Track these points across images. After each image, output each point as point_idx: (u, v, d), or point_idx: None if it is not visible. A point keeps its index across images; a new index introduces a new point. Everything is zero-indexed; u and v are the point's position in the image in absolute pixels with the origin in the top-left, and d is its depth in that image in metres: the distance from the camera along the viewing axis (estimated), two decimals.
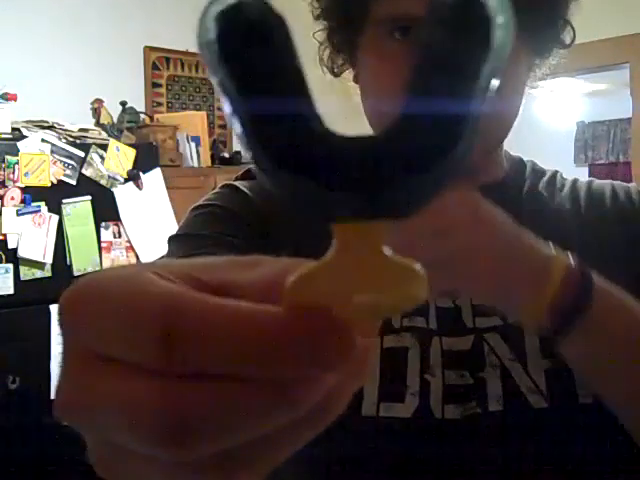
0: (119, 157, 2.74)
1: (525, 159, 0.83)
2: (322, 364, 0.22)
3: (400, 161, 0.20)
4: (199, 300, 0.22)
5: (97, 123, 3.16)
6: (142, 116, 3.33)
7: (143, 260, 2.74)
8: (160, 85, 3.71)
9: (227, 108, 0.21)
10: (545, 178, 0.80)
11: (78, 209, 2.62)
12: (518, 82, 0.69)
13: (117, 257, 2.70)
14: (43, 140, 2.56)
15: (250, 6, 0.20)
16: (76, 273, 2.58)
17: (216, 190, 0.77)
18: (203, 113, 3.62)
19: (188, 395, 0.22)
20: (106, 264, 2.66)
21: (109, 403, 0.23)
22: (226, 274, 0.25)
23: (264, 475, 0.26)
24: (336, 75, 0.77)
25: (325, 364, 0.22)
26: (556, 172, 0.82)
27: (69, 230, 2.58)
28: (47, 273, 2.52)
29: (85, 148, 2.66)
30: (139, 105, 3.42)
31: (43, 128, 2.64)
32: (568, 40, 0.74)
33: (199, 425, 0.22)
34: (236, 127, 0.21)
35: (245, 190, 0.75)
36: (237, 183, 0.76)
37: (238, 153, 3.63)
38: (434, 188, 0.21)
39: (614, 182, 0.80)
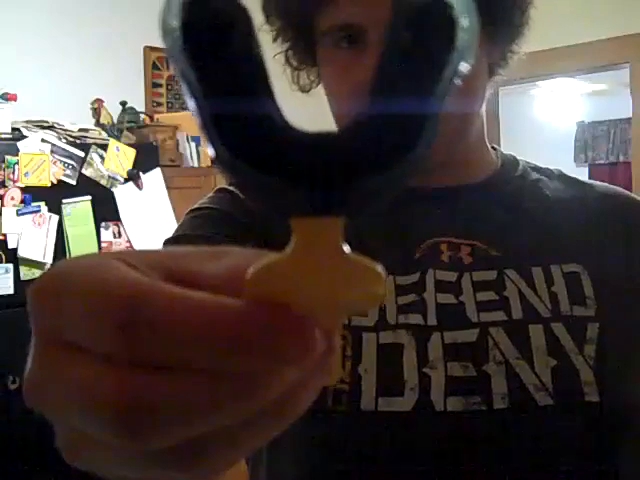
0: (119, 157, 2.74)
1: (518, 157, 0.83)
2: (279, 358, 0.22)
3: (359, 159, 0.21)
4: (161, 289, 0.22)
5: (97, 123, 3.16)
6: (142, 116, 3.32)
7: None
8: (160, 85, 3.71)
9: (188, 98, 0.21)
10: (543, 174, 0.81)
11: (78, 209, 2.62)
12: (473, 71, 0.69)
13: None
14: (43, 140, 2.56)
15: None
16: None
17: (211, 194, 0.78)
18: None
19: (144, 384, 0.22)
20: None
21: (71, 390, 0.23)
22: (195, 264, 0.25)
23: (226, 468, 0.26)
24: (305, 91, 0.78)
25: (282, 358, 0.22)
26: (552, 169, 0.82)
27: (69, 230, 2.58)
28: None
29: (85, 148, 2.66)
30: (139, 105, 3.42)
31: (43, 128, 2.64)
32: (517, 22, 0.72)
33: (154, 414, 0.22)
34: (196, 118, 0.21)
35: (240, 194, 0.75)
36: (232, 187, 0.77)
37: None
38: (392, 186, 0.22)
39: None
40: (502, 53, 0.74)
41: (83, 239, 2.62)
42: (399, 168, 0.21)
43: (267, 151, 0.20)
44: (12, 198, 2.47)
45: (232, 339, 0.21)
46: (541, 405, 0.62)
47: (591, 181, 0.82)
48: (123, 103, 3.28)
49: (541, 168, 0.82)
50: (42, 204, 2.53)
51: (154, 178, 2.83)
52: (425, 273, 0.69)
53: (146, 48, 3.61)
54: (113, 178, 2.71)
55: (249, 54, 0.20)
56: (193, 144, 3.36)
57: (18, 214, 2.47)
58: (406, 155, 0.21)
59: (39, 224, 2.51)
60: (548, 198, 0.77)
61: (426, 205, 0.74)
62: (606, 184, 0.83)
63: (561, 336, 0.65)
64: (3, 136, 2.52)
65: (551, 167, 0.83)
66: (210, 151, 0.21)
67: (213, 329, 0.21)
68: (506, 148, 0.85)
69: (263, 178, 0.20)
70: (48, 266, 2.52)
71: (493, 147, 0.83)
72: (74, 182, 2.61)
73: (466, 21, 0.20)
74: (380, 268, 0.23)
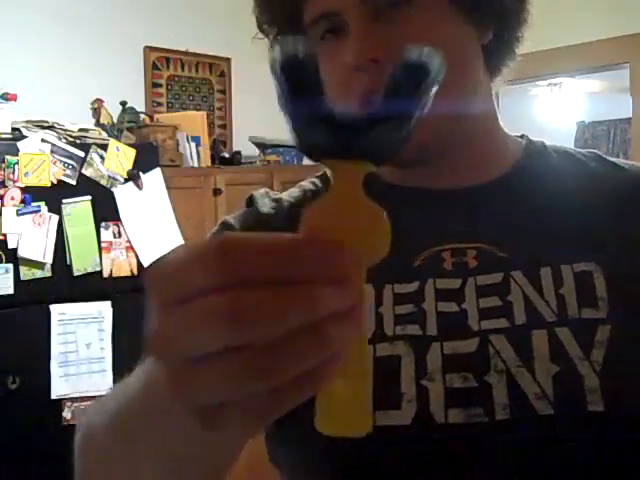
0: (119, 157, 2.74)
1: (551, 146, 0.79)
2: (324, 270, 0.31)
3: (375, 120, 0.35)
4: (249, 234, 0.33)
5: (97, 123, 3.16)
6: (142, 116, 3.32)
7: (143, 260, 2.74)
8: (160, 85, 3.71)
9: (281, 104, 0.35)
10: (574, 162, 0.76)
11: (78, 209, 2.61)
12: (454, 47, 0.66)
13: (117, 257, 2.70)
14: (43, 140, 2.56)
15: (299, 48, 0.34)
16: (76, 273, 2.58)
17: (214, 229, 0.78)
18: (203, 113, 3.61)
19: (244, 297, 0.31)
20: (106, 264, 2.66)
21: (190, 315, 0.32)
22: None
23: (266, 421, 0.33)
24: None
25: (326, 271, 0.31)
26: (588, 153, 0.77)
27: (69, 230, 2.58)
28: (47, 273, 2.52)
29: (85, 148, 2.66)
30: (139, 105, 3.42)
31: (43, 128, 2.63)
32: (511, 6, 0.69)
33: (253, 314, 0.31)
34: (285, 114, 0.35)
35: (232, 222, 0.77)
36: (228, 218, 0.78)
37: (238, 153, 3.63)
38: (396, 141, 0.36)
39: None
40: (498, 42, 0.71)
41: (83, 239, 2.62)
42: (401, 127, 0.35)
43: (324, 119, 0.35)
44: (12, 198, 2.47)
45: (294, 257, 0.31)
46: (542, 415, 0.59)
47: (626, 163, 0.76)
48: (123, 103, 3.27)
49: (574, 154, 0.77)
50: (42, 204, 2.53)
51: (154, 178, 2.83)
52: (425, 282, 0.68)
53: (146, 48, 3.61)
54: (113, 178, 2.71)
55: (316, 80, 0.34)
56: (193, 144, 3.36)
57: (18, 214, 2.47)
58: (404, 119, 0.35)
59: (39, 224, 2.51)
60: (570, 192, 0.72)
61: (433, 208, 0.72)
62: None
63: (566, 341, 0.62)
64: (3, 136, 2.52)
65: (587, 151, 0.78)
66: (291, 124, 0.35)
67: (282, 251, 0.31)
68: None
69: (320, 131, 0.35)
70: (48, 266, 2.52)
71: (522, 136, 0.79)
72: (74, 182, 2.61)
73: (433, 74, 0.35)
74: (386, 218, 0.36)
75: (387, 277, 0.68)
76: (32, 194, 2.50)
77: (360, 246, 0.34)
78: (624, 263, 0.67)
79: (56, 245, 2.54)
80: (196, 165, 3.36)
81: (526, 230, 0.70)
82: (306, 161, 3.80)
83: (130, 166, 2.76)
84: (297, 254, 0.31)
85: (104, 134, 2.83)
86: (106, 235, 2.68)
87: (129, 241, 2.72)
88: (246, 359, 0.31)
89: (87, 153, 2.65)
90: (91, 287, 2.62)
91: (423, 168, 0.72)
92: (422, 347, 0.64)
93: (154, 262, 0.32)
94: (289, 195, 0.79)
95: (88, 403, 2.55)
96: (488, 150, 0.75)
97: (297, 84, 0.34)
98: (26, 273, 2.48)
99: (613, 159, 0.77)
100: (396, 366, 0.63)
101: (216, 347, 0.31)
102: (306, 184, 0.80)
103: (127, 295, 2.67)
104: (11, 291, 2.44)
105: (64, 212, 2.58)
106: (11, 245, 2.45)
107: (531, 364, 0.61)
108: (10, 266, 2.44)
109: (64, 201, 2.58)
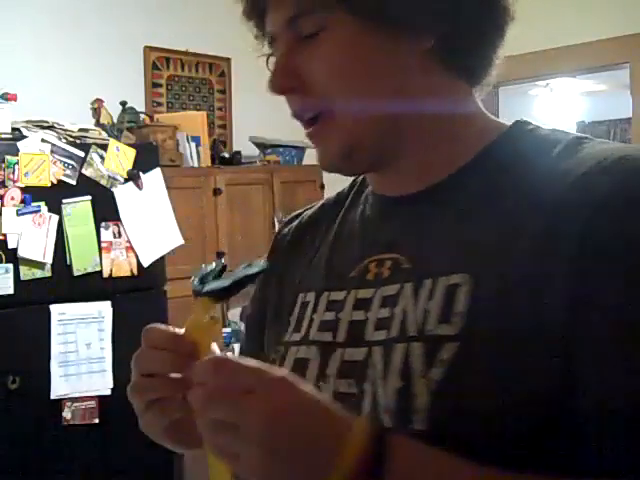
0: (119, 157, 2.74)
1: (544, 131, 0.71)
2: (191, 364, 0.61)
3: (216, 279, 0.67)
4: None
5: (97, 123, 3.16)
6: (142, 116, 3.32)
7: (143, 260, 2.74)
8: (160, 85, 3.71)
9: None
10: (542, 155, 0.67)
11: (78, 209, 2.61)
12: (367, 65, 0.67)
13: (117, 257, 2.70)
14: (43, 140, 2.56)
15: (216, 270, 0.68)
16: (76, 273, 2.58)
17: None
18: (203, 113, 3.61)
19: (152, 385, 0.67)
20: (106, 264, 2.66)
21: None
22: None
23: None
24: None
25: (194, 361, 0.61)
26: (571, 141, 0.67)
27: (69, 230, 2.58)
28: (47, 273, 2.52)
29: (85, 148, 2.66)
30: (139, 105, 3.42)
31: (43, 128, 2.63)
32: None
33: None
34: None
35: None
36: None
37: (238, 153, 3.63)
38: (222, 291, 0.65)
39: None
40: (453, 42, 0.67)
41: (83, 239, 2.62)
42: (223, 286, 0.65)
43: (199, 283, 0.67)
44: (12, 198, 2.47)
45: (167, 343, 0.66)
46: (387, 428, 0.61)
47: (591, 152, 0.64)
48: (123, 103, 3.27)
49: (554, 146, 0.67)
50: (42, 204, 2.53)
51: (154, 178, 2.83)
52: (349, 292, 0.72)
53: (146, 48, 3.61)
54: (113, 178, 2.71)
55: (213, 274, 0.68)
56: (193, 144, 3.36)
57: (18, 214, 2.47)
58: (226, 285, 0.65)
59: (39, 224, 2.51)
60: (499, 195, 0.66)
61: (380, 216, 0.76)
62: (615, 156, 0.62)
63: (414, 357, 0.63)
64: (3, 136, 2.52)
65: (578, 137, 0.68)
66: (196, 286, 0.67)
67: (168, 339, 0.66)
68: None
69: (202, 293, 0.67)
70: (48, 266, 2.52)
71: (534, 123, 0.72)
72: (74, 182, 2.61)
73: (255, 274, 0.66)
74: (217, 327, 0.68)
75: (329, 285, 0.75)
76: (32, 194, 2.50)
77: (203, 341, 0.64)
78: (524, 275, 0.61)
79: (56, 245, 2.54)
80: (196, 165, 3.36)
81: (438, 240, 0.68)
82: (306, 161, 3.80)
83: (130, 166, 2.76)
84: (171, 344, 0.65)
85: (104, 134, 2.83)
86: (106, 235, 2.68)
87: (129, 241, 2.72)
88: (140, 386, 0.66)
89: (87, 153, 2.65)
90: (91, 287, 2.62)
91: (378, 174, 0.75)
92: (328, 352, 0.71)
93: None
94: (310, 210, 0.89)
95: (88, 403, 2.56)
96: (438, 154, 0.71)
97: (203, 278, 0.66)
98: (26, 273, 2.48)
99: (587, 146, 0.66)
100: (304, 368, 0.72)
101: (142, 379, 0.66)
102: (333, 195, 0.88)
103: (127, 295, 2.68)
104: (11, 291, 2.44)
105: (64, 212, 2.58)
106: (11, 245, 2.45)
107: (387, 378, 0.64)
108: (10, 266, 2.44)
109: (64, 201, 2.58)
